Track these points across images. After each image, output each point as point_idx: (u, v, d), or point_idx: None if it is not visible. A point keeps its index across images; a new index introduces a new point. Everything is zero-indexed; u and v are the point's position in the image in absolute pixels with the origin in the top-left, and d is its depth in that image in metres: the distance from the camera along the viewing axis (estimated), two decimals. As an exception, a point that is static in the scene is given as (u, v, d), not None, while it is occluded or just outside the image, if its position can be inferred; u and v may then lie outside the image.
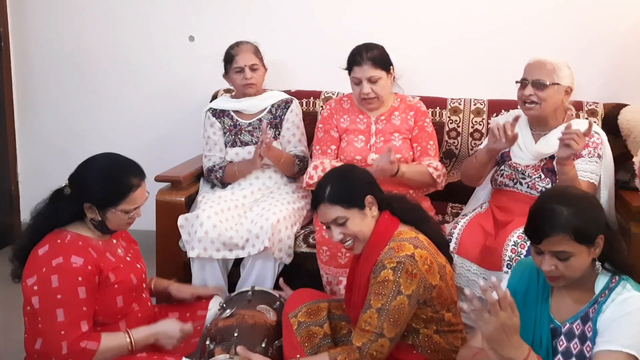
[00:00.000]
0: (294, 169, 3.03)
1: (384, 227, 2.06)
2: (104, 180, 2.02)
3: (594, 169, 2.54)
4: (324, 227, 2.15)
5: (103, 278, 2.02)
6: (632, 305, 1.67)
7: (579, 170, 2.52)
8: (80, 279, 1.95)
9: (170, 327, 2.11)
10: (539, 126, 2.66)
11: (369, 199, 2.05)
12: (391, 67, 2.86)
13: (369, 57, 2.78)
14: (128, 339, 2.03)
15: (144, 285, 2.23)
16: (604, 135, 2.65)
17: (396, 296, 1.91)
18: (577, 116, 3.00)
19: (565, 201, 1.72)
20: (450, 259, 2.15)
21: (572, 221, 1.68)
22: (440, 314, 2.02)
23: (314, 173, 2.86)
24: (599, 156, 2.56)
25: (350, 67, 2.83)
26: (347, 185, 2.07)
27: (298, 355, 2.09)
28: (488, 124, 3.14)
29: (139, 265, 2.20)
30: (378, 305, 1.92)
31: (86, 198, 2.01)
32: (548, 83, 2.54)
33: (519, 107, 2.83)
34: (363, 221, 2.05)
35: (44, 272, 1.94)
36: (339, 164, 2.88)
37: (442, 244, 2.12)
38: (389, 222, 2.07)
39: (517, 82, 2.63)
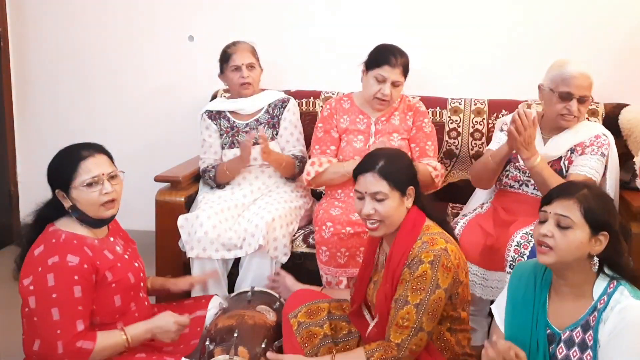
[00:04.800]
0: (294, 171, 3.03)
1: (413, 220, 2.05)
2: (56, 160, 2.06)
3: (594, 165, 2.52)
4: (356, 197, 2.10)
5: (100, 277, 2.01)
6: (631, 316, 1.67)
7: (577, 165, 2.53)
8: (76, 277, 1.94)
9: (165, 321, 2.10)
10: (551, 130, 2.65)
11: (410, 189, 2.05)
12: (407, 76, 2.87)
13: (402, 62, 2.78)
14: (124, 337, 2.02)
15: (142, 284, 2.21)
16: (611, 138, 2.64)
17: (435, 290, 1.91)
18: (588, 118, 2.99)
19: (591, 187, 1.81)
20: None
21: (589, 199, 1.74)
22: (458, 312, 2.03)
23: (311, 169, 2.86)
24: (602, 155, 2.55)
25: (380, 63, 2.77)
26: (400, 168, 2.06)
27: (334, 351, 2.09)
28: (489, 123, 3.13)
29: (136, 264, 2.19)
30: (416, 301, 1.91)
31: (52, 185, 2.04)
32: (589, 98, 2.56)
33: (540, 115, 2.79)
34: (398, 208, 2.03)
35: (40, 271, 1.93)
36: (334, 159, 2.89)
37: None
38: (417, 215, 2.07)
39: (557, 93, 2.54)
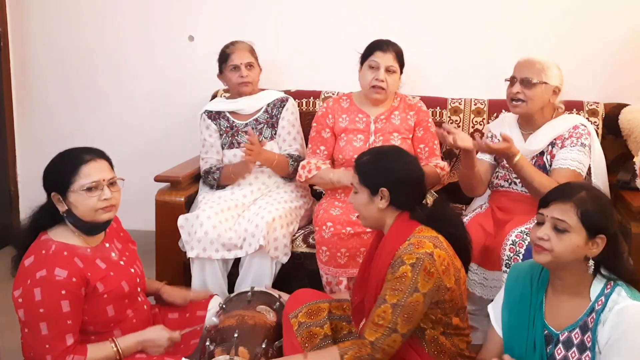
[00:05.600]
0: (289, 170, 3.02)
1: (402, 227, 2.03)
2: (55, 163, 2.03)
3: (576, 157, 2.53)
4: None
5: (90, 289, 1.98)
6: (630, 317, 1.68)
7: (559, 159, 2.55)
8: (63, 292, 1.91)
9: (158, 336, 2.08)
10: (527, 125, 2.69)
11: (383, 191, 2.03)
12: (403, 69, 2.91)
13: (394, 49, 2.87)
14: (115, 348, 2.00)
15: (139, 289, 2.18)
16: (591, 128, 2.66)
17: (412, 293, 1.90)
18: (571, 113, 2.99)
19: (589, 189, 1.79)
20: (466, 264, 2.10)
21: (586, 202, 1.74)
22: (449, 317, 2.01)
23: (302, 172, 2.90)
24: (583, 145, 2.56)
25: (372, 51, 2.86)
26: (374, 166, 2.07)
27: (307, 350, 2.09)
28: (489, 123, 3.13)
29: (133, 270, 2.16)
30: (394, 301, 1.90)
31: (49, 187, 2.01)
32: (535, 81, 2.56)
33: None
34: (367, 205, 2.06)
35: (28, 284, 1.91)
36: (324, 165, 2.90)
37: (462, 248, 2.07)
38: (407, 223, 2.04)
39: (506, 80, 2.66)
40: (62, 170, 1.99)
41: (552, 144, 2.60)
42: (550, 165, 2.58)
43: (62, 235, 2.02)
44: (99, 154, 2.04)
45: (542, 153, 2.61)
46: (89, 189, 1.97)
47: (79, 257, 1.99)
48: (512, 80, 2.63)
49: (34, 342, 1.92)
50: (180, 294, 2.42)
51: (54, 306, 1.90)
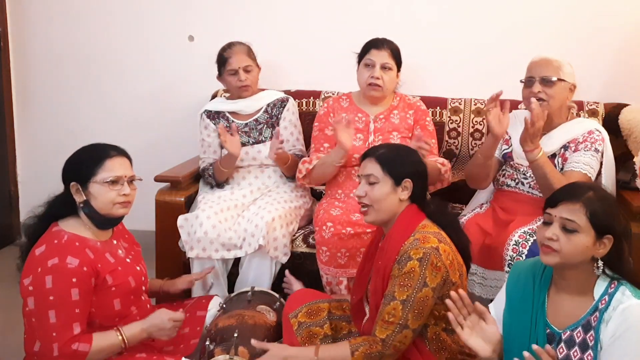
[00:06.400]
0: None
1: (408, 218, 2.05)
2: (80, 154, 2.10)
3: (589, 162, 2.53)
4: (358, 180, 2.18)
5: (100, 280, 2.01)
6: (633, 316, 1.67)
7: (572, 162, 2.54)
8: (74, 280, 1.94)
9: (160, 319, 2.10)
10: (544, 124, 2.66)
11: (407, 181, 2.05)
12: (400, 67, 2.91)
13: (389, 46, 2.88)
14: (120, 337, 2.02)
15: (144, 288, 2.21)
16: (605, 134, 2.65)
17: (422, 288, 1.91)
18: (579, 115, 3.00)
19: (596, 189, 1.80)
20: (467, 263, 2.12)
21: (594, 202, 1.74)
22: None
23: (302, 167, 2.89)
24: (596, 150, 2.56)
25: (367, 49, 2.88)
26: (399, 157, 2.09)
27: (318, 342, 2.10)
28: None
29: (138, 268, 2.19)
30: (403, 297, 1.91)
31: (69, 177, 2.05)
32: (555, 79, 2.56)
33: (520, 107, 2.83)
34: (389, 195, 2.05)
35: (39, 272, 1.93)
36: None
37: (462, 249, 2.09)
38: (415, 214, 2.06)
39: (521, 81, 2.64)
40: (87, 161, 2.06)
41: (565, 147, 2.60)
42: (562, 168, 2.57)
43: (73, 227, 2.06)
44: (123, 152, 2.12)
45: (553, 155, 2.60)
46: (111, 182, 2.04)
47: (89, 249, 2.03)
48: (529, 81, 2.60)
49: (41, 330, 1.93)
50: (182, 278, 2.54)
51: (64, 294, 1.93)
